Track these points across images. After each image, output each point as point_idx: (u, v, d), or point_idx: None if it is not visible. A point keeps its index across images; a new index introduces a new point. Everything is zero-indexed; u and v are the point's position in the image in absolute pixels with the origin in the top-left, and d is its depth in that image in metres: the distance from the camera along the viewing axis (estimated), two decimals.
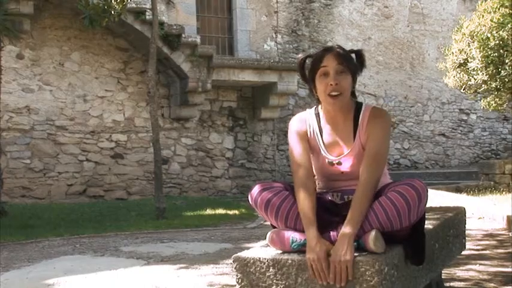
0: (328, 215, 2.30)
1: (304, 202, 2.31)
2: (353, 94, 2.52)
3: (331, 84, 2.38)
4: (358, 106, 2.49)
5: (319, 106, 2.54)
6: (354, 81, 2.46)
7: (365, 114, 2.44)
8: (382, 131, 2.40)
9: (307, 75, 2.50)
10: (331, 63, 2.39)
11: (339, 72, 2.39)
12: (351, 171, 2.44)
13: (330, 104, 2.42)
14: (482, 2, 7.67)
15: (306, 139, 2.49)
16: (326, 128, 2.50)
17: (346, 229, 2.19)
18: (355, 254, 2.13)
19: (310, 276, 2.14)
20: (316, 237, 2.20)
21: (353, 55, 2.50)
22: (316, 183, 2.54)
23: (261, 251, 2.34)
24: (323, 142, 2.49)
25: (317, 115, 2.53)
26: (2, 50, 8.16)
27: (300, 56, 2.56)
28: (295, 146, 2.48)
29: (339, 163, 2.46)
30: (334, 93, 2.39)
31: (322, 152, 2.49)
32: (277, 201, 2.35)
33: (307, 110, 2.59)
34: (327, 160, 2.48)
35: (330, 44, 11.29)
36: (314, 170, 2.51)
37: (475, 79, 7.45)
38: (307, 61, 2.53)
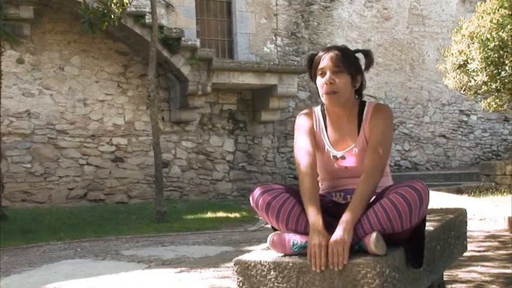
0: (330, 217, 2.30)
1: (308, 188, 2.34)
2: (359, 94, 2.58)
3: (325, 84, 2.46)
4: (363, 104, 2.56)
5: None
6: (355, 80, 2.51)
7: (368, 110, 2.52)
8: (385, 123, 2.47)
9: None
10: (328, 64, 2.47)
11: (335, 72, 2.46)
12: (354, 167, 2.47)
13: (326, 101, 2.50)
14: (481, 3, 7.66)
15: (312, 133, 2.55)
16: (331, 125, 2.56)
17: (345, 215, 2.22)
18: (357, 256, 2.12)
19: (308, 258, 2.13)
20: (321, 224, 2.22)
21: (360, 55, 2.55)
22: (320, 184, 2.55)
23: (262, 254, 2.33)
24: (328, 138, 2.55)
25: (323, 112, 2.59)
26: (2, 54, 8.17)
27: (309, 55, 2.62)
28: (301, 139, 2.53)
29: (343, 157, 2.50)
30: (329, 92, 2.45)
31: (327, 146, 2.54)
32: (278, 203, 2.35)
33: (314, 107, 2.64)
34: (331, 154, 2.52)
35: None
36: (318, 169, 2.53)
37: (475, 80, 7.44)
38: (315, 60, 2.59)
